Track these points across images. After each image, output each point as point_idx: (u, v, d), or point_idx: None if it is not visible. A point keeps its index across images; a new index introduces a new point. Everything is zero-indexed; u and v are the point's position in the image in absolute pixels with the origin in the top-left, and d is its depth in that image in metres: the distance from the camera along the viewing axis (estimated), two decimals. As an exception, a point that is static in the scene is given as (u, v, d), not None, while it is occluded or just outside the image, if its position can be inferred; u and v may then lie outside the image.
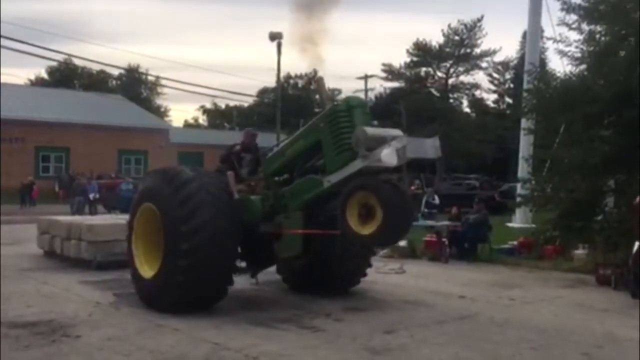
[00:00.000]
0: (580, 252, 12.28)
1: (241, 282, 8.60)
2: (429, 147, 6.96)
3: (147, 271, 7.71)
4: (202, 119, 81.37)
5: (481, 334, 6.61)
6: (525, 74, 21.41)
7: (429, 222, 14.85)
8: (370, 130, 6.82)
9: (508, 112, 58.41)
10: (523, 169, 23.02)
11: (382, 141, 6.69)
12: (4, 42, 35.02)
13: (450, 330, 6.77)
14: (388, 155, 6.50)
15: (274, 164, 8.07)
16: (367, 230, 6.61)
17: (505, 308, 8.11)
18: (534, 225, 18.31)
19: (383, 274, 10.66)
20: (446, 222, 14.08)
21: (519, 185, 23.63)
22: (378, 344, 6.07)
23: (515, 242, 13.95)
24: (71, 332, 6.36)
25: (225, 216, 7.23)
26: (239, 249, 7.78)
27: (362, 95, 45.80)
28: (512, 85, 60.02)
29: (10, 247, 13.54)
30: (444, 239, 13.27)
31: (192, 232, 7.01)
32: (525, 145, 23.49)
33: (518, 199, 17.85)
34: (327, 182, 7.11)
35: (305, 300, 8.07)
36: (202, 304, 7.28)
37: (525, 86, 20.97)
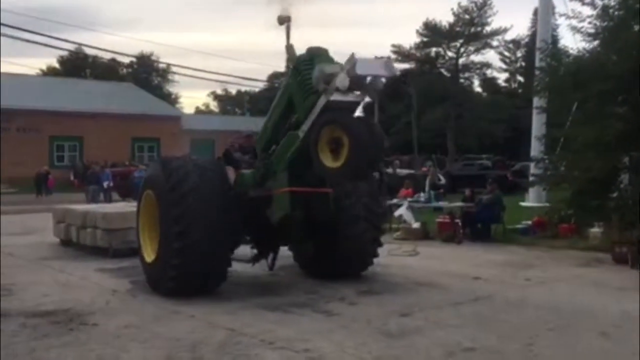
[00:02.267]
0: (595, 230, 12.18)
1: (256, 268, 8.66)
2: (382, 66, 7.02)
3: (150, 255, 7.88)
4: (213, 105, 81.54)
5: (497, 315, 6.59)
6: (537, 52, 21.17)
7: (441, 204, 14.83)
8: (328, 67, 6.96)
9: (520, 90, 57.93)
10: (536, 148, 22.87)
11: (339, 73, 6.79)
12: (16, 33, 35.09)
13: (465, 312, 6.76)
14: (341, 80, 6.64)
15: (262, 140, 8.26)
16: (333, 163, 6.77)
17: (520, 288, 8.08)
18: (547, 204, 18.23)
19: (396, 256, 10.66)
20: (459, 203, 14.02)
21: (532, 165, 23.56)
22: (393, 327, 6.08)
23: (529, 222, 13.86)
24: (88, 320, 6.42)
25: (217, 199, 7.28)
26: (244, 235, 8.00)
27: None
28: (523, 64, 59.35)
29: (26, 236, 13.70)
30: (457, 220, 13.23)
31: (181, 215, 7.11)
32: (537, 124, 23.26)
33: (531, 179, 17.74)
34: (301, 133, 7.22)
35: (319, 285, 8.09)
36: (201, 286, 7.37)
37: (537, 64, 20.79)
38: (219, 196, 7.34)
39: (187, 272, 7.17)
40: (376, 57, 7.24)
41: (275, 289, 8.03)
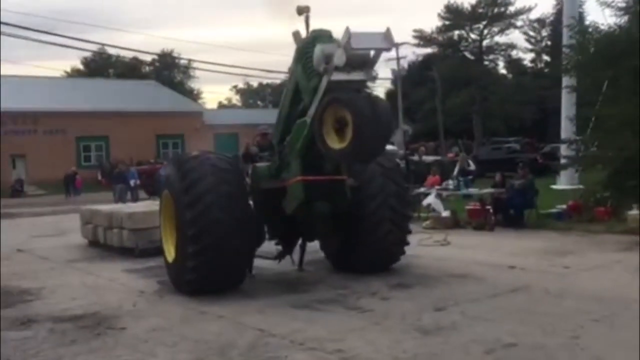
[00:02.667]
0: (634, 212, 11.70)
1: (282, 264, 8.48)
2: (380, 38, 6.63)
3: (171, 255, 7.76)
4: (236, 99, 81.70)
5: (537, 307, 6.29)
6: (565, 29, 20.51)
7: (471, 191, 14.46)
8: (327, 47, 6.72)
9: (546, 70, 56.65)
10: (567, 129, 22.24)
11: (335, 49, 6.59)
12: (39, 35, 35.42)
13: (503, 304, 6.48)
14: (338, 56, 6.39)
15: (277, 133, 8.07)
16: (334, 144, 6.52)
17: (559, 277, 7.75)
18: (580, 187, 17.69)
19: (427, 246, 10.38)
20: (490, 189, 13.65)
21: (562, 146, 22.92)
22: (428, 323, 5.83)
23: (564, 206, 13.42)
24: (116, 324, 6.32)
25: (233, 200, 7.07)
26: (268, 232, 7.88)
27: (394, 64, 44.89)
28: (549, 43, 58.01)
29: (55, 238, 13.77)
30: (488, 207, 12.87)
31: (196, 217, 6.92)
32: (568, 103, 22.58)
33: (563, 161, 17.21)
34: (309, 118, 6.98)
35: (349, 279, 7.86)
36: (218, 287, 7.20)
37: (565, 42, 20.14)
38: (235, 196, 7.14)
39: (204, 274, 7.01)
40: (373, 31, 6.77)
41: (304, 285, 7.83)
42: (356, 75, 6.72)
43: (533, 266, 8.43)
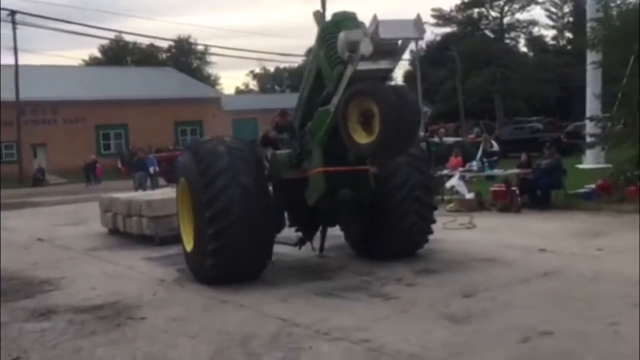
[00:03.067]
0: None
1: (303, 251, 8.28)
2: (410, 26, 6.15)
3: (189, 243, 7.57)
4: (253, 85, 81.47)
5: (571, 292, 6.01)
6: (589, 2, 19.87)
7: (496, 172, 14.11)
8: (352, 33, 6.29)
9: (569, 47, 55.42)
10: (593, 106, 21.65)
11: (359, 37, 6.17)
12: (58, 25, 35.61)
13: (535, 289, 6.20)
14: (365, 46, 5.96)
15: (298, 117, 7.79)
16: (365, 139, 6.13)
17: (593, 260, 7.43)
18: (607, 166, 17.21)
19: (452, 229, 10.10)
20: (515, 170, 13.28)
21: (588, 124, 22.34)
22: (458, 310, 5.59)
23: (592, 186, 13.00)
24: (136, 314, 6.18)
25: (251, 183, 6.83)
26: (288, 219, 7.67)
27: (412, 45, 44.26)
28: (571, 19, 56.71)
29: (75, 227, 13.75)
30: (513, 188, 12.53)
31: (216, 216, 6.67)
32: (593, 80, 21.97)
33: (590, 139, 16.73)
34: (332, 107, 6.63)
35: (372, 265, 7.63)
36: (240, 275, 7.00)
37: (589, 16, 19.52)
38: (253, 179, 6.90)
39: (224, 261, 6.79)
40: (402, 19, 6.29)
41: (326, 272, 7.62)
42: (383, 64, 6.28)
43: (564, 249, 8.11)
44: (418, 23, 6.16)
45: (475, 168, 14.29)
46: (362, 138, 6.17)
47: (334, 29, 6.83)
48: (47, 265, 9.09)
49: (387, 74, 6.59)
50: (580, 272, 6.77)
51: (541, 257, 7.75)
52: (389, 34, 6.04)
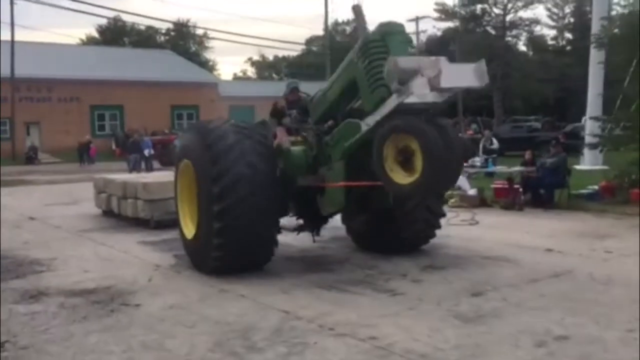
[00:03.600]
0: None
1: (306, 241, 8.05)
2: (472, 74, 5.70)
3: (190, 230, 7.24)
4: (251, 72, 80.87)
5: (584, 295, 5.80)
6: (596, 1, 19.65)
7: (499, 169, 13.90)
8: (404, 60, 5.68)
9: (568, 48, 55.25)
10: (594, 107, 21.49)
11: (418, 71, 5.59)
12: (57, 1, 35.07)
13: (546, 290, 5.99)
14: (420, 86, 5.42)
15: (317, 110, 7.33)
16: (406, 179, 5.66)
17: (603, 262, 7.24)
18: (605, 167, 17.05)
19: (455, 225, 9.87)
20: (519, 168, 13.08)
21: (587, 125, 22.17)
22: (467, 309, 5.37)
23: (595, 187, 12.82)
24: (130, 300, 5.94)
25: (262, 174, 6.51)
26: (290, 206, 7.29)
27: (414, 38, 43.93)
28: (572, 20, 56.50)
29: (69, 207, 13.46)
30: (516, 186, 12.33)
31: (224, 192, 6.34)
32: (595, 80, 21.79)
33: (590, 140, 16.54)
34: (365, 126, 6.20)
35: (376, 259, 7.41)
36: (245, 267, 6.71)
37: (599, 14, 19.29)
38: (261, 158, 6.61)
39: (228, 244, 6.48)
40: (466, 63, 5.97)
41: (329, 263, 7.39)
42: (430, 97, 5.69)
43: (571, 249, 7.91)
44: (480, 70, 5.68)
45: (478, 164, 14.06)
46: (401, 178, 5.68)
47: (380, 42, 6.24)
48: (39, 245, 8.83)
49: (434, 107, 6.05)
50: (591, 275, 6.56)
51: (548, 257, 7.55)
52: (450, 83, 5.57)
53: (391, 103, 5.81)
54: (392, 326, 4.97)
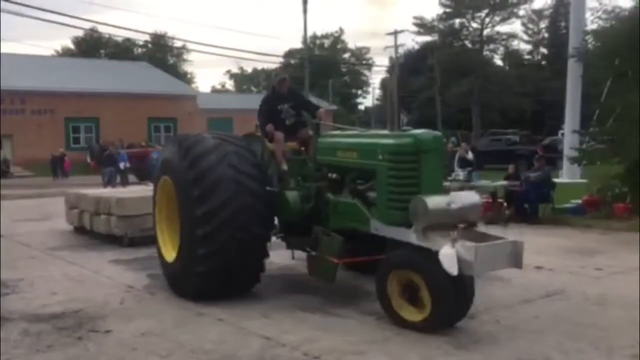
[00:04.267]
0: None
1: (285, 257, 7.67)
2: (505, 257, 5.16)
3: (170, 252, 6.80)
4: (229, 84, 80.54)
5: (580, 317, 5.56)
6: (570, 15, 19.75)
7: (483, 182, 13.74)
8: (434, 202, 5.12)
9: (543, 62, 55.98)
10: (573, 120, 21.58)
11: (448, 217, 5.11)
12: (31, 12, 34.39)
13: (541, 312, 5.73)
14: (447, 259, 4.81)
15: (323, 156, 6.60)
16: (412, 316, 5.20)
17: (594, 281, 7.02)
18: (583, 181, 17.04)
19: (440, 241, 9.59)
20: (503, 182, 12.92)
21: (565, 138, 22.25)
22: (461, 335, 5.06)
23: (579, 201, 12.71)
24: (100, 326, 5.53)
25: (251, 194, 6.10)
26: (276, 225, 6.80)
27: (392, 51, 44.04)
28: (546, 35, 57.32)
29: (39, 223, 12.93)
30: (500, 200, 12.15)
31: (208, 215, 5.93)
32: (573, 93, 21.91)
33: (570, 154, 16.50)
34: (374, 229, 5.69)
35: (359, 278, 7.05)
36: (229, 292, 6.28)
37: (575, 27, 19.39)
38: (244, 162, 6.25)
39: (215, 280, 6.12)
40: (503, 240, 5.28)
41: (311, 283, 6.98)
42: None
43: (561, 267, 7.70)
44: (517, 252, 5.22)
45: (461, 178, 13.87)
46: (412, 315, 5.22)
47: (413, 157, 5.44)
48: (4, 265, 8.33)
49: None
50: (584, 294, 6.33)
51: (539, 275, 7.31)
52: (484, 268, 5.08)
53: (409, 238, 5.25)
54: (382, 354, 4.65)
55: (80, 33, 56.71)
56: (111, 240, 10.04)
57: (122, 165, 23.18)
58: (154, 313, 5.94)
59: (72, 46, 61.86)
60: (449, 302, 5.01)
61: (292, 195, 6.58)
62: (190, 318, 5.73)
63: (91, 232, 10.76)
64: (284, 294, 6.60)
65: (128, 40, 58.33)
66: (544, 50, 58.37)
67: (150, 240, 8.96)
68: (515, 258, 5.19)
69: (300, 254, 7.26)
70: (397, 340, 4.98)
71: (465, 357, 4.58)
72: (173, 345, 4.97)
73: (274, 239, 6.77)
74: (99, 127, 39.61)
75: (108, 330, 5.41)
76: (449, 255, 4.84)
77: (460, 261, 4.81)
